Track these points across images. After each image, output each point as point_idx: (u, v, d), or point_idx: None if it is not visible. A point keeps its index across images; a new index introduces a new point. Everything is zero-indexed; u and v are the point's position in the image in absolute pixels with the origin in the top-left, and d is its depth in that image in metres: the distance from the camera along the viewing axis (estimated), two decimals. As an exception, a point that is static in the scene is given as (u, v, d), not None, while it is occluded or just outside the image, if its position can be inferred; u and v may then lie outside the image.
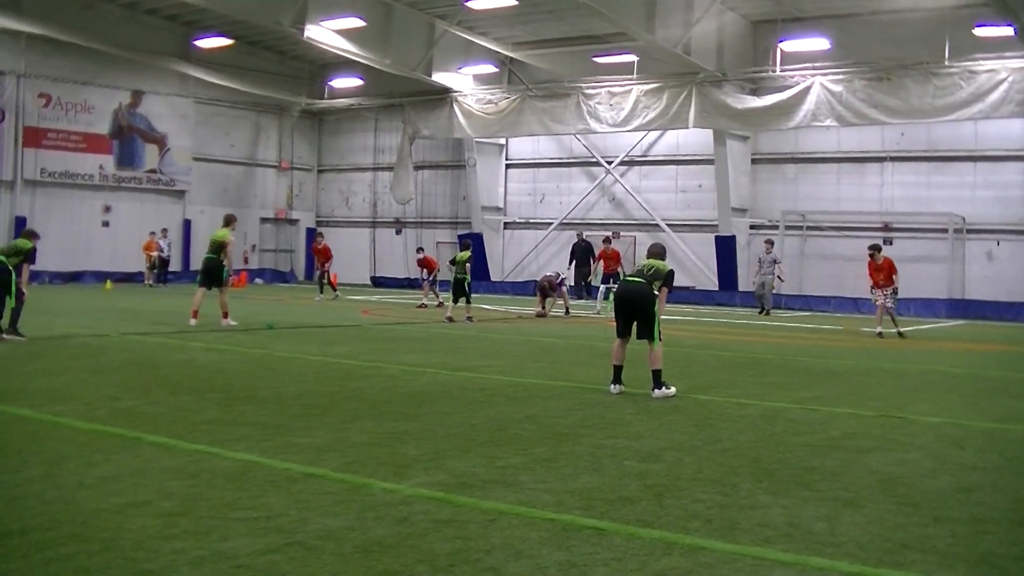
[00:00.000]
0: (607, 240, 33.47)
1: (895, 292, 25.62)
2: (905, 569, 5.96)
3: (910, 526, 6.92)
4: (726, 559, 6.04)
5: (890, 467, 8.88)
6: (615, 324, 13.54)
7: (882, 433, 10.64)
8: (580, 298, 39.30)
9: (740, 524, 6.86)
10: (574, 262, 41.61)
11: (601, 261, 32.54)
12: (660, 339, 13.15)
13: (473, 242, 45.42)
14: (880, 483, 8.21)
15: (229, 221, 23.71)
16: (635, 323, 13.31)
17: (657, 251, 14.12)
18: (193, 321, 21.88)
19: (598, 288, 32.46)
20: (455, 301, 26.39)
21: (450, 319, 26.02)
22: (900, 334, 24.94)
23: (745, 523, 6.89)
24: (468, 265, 26.65)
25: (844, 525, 6.90)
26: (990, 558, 6.23)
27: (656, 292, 13.31)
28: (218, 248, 22.74)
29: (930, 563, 6.09)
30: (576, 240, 42.04)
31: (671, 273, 13.66)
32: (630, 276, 13.88)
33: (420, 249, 37.98)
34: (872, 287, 25.63)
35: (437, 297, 33.86)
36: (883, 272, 25.24)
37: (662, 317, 13.39)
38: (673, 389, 13.05)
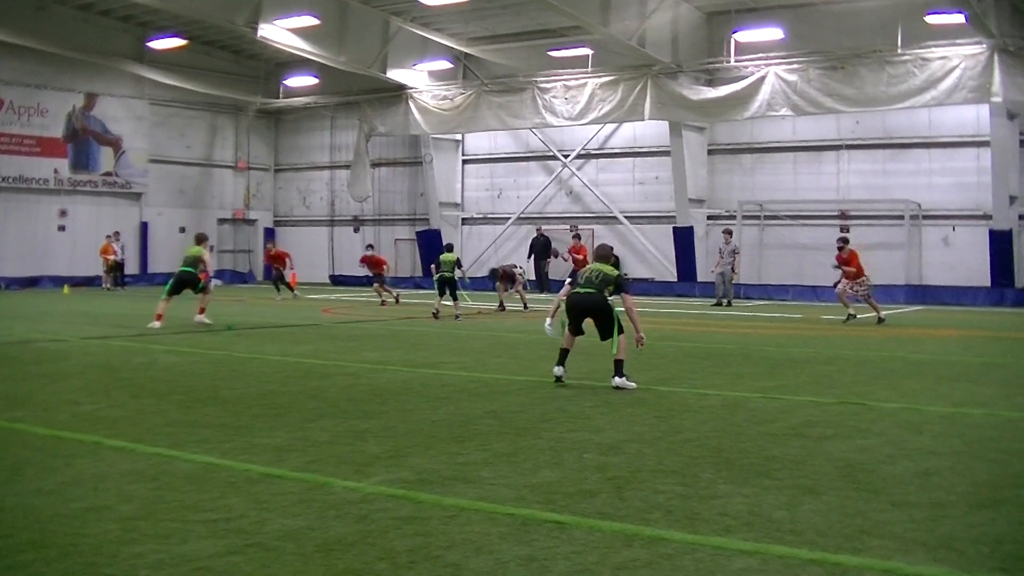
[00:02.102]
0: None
1: (862, 281, 25.83)
2: (864, 555, 6.00)
3: (869, 512, 6.97)
4: (686, 549, 6.07)
5: (850, 454, 8.93)
6: (569, 324, 13.67)
7: (842, 420, 10.70)
8: (541, 291, 39.39)
9: (701, 514, 6.89)
10: (533, 255, 41.75)
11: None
12: (622, 331, 13.14)
13: (432, 239, 45.68)
14: (840, 470, 8.26)
15: (201, 240, 23.80)
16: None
17: (603, 253, 14.13)
18: (157, 324, 21.73)
19: None
20: (440, 296, 26.30)
21: (435, 314, 25.99)
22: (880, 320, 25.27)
23: (706, 513, 6.92)
24: (456, 266, 26.65)
25: (804, 513, 6.94)
26: (948, 542, 6.27)
27: (608, 297, 13.34)
28: (194, 262, 22.73)
29: (889, 548, 6.13)
30: (535, 235, 42.14)
31: (620, 277, 13.62)
32: (582, 286, 13.55)
33: (369, 247, 37.32)
34: (842, 280, 25.82)
35: (391, 294, 33.53)
36: (852, 263, 25.53)
37: (640, 322, 13.51)
38: (634, 384, 12.97)
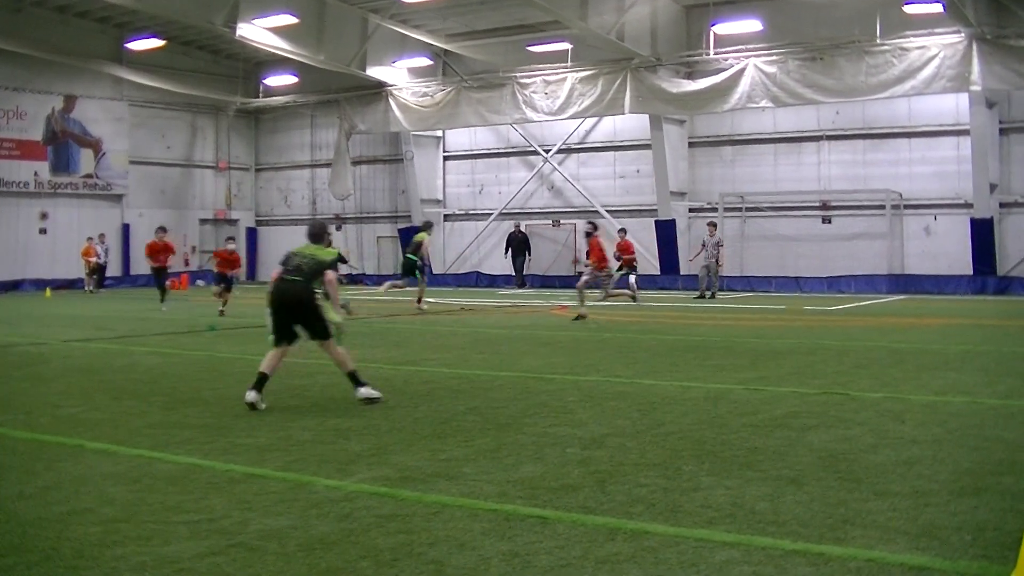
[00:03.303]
0: (622, 231, 32.90)
1: (609, 272, 25.39)
2: (847, 544, 6.01)
3: (852, 501, 6.98)
4: (669, 542, 6.07)
5: (832, 444, 8.94)
6: (274, 332, 11.58)
7: (825, 411, 10.71)
8: (521, 287, 39.43)
9: (683, 507, 6.89)
10: (510, 251, 41.83)
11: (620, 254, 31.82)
12: (330, 335, 11.47)
13: (413, 236, 45.56)
14: (822, 460, 8.27)
15: (427, 227, 27.50)
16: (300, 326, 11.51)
17: (316, 231, 12.22)
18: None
19: (627, 279, 31.42)
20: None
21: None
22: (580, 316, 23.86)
23: (688, 505, 6.92)
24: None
25: (787, 503, 6.95)
26: (930, 530, 6.28)
27: (318, 291, 11.54)
28: (417, 249, 26.07)
29: (871, 538, 6.14)
30: (512, 230, 42.20)
31: (334, 261, 12.23)
32: (286, 274, 11.49)
33: (230, 239, 31.96)
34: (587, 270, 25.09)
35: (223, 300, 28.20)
36: (594, 253, 24.55)
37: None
38: (378, 392, 11.49)
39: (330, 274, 11.73)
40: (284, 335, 11.47)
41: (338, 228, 50.76)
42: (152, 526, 6.49)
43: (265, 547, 6.02)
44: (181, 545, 6.09)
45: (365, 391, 11.40)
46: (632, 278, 30.81)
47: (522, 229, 42.39)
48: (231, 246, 29.36)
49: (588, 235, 24.92)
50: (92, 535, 6.30)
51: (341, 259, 25.12)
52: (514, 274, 42.89)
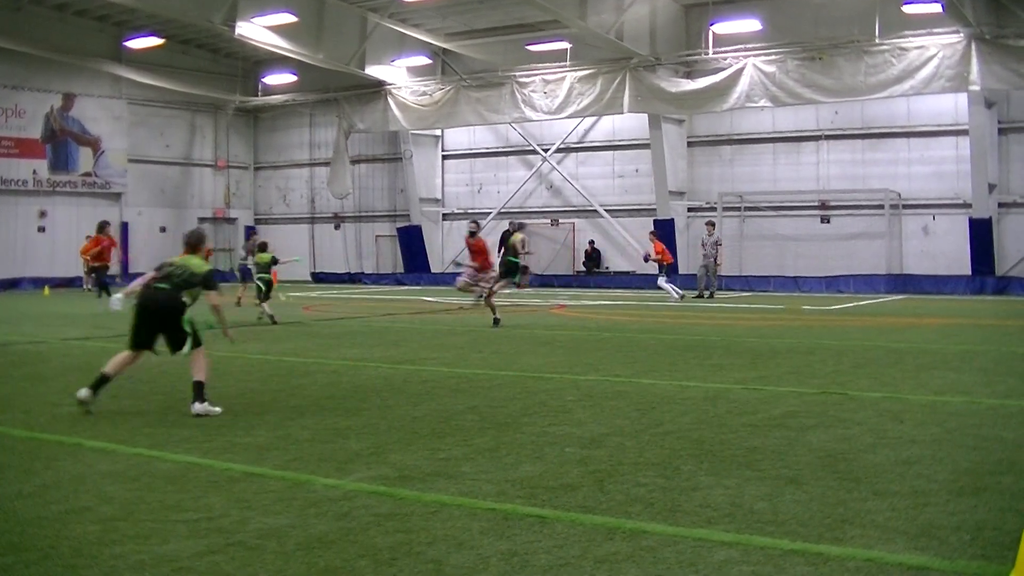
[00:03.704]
0: (653, 232, 32.92)
1: (492, 274, 23.96)
2: (845, 544, 6.00)
3: (851, 501, 6.97)
4: (668, 542, 6.06)
5: (831, 443, 8.93)
6: (132, 334, 11.27)
7: (824, 410, 10.70)
8: (518, 287, 39.41)
9: (682, 506, 6.88)
10: (503, 250, 41.82)
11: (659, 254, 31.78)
12: (199, 343, 11.20)
13: (412, 235, 45.67)
14: (821, 460, 8.26)
15: (520, 227, 26.70)
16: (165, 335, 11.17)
17: (194, 241, 11.74)
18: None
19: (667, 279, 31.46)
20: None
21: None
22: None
23: (687, 505, 6.91)
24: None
25: (786, 503, 6.94)
26: (929, 530, 6.28)
27: (187, 301, 11.11)
28: (514, 251, 24.55)
29: (870, 537, 6.13)
30: (507, 229, 42.21)
31: (210, 274, 11.56)
32: (158, 282, 11.13)
33: (203, 236, 31.06)
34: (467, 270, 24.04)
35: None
36: (479, 255, 23.61)
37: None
38: (218, 409, 10.83)
39: (214, 297, 11.46)
40: (142, 342, 11.17)
41: (336, 227, 50.82)
42: (151, 525, 6.48)
43: (264, 546, 6.01)
44: (180, 544, 6.07)
45: (201, 407, 10.72)
46: (661, 279, 31.01)
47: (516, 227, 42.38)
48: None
49: (472, 235, 23.91)
50: (91, 534, 6.28)
51: (274, 260, 24.90)
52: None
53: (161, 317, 11.02)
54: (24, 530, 6.38)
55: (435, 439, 9.25)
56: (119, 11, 41.21)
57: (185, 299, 11.06)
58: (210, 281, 11.37)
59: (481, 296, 24.49)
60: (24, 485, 7.58)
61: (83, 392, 10.74)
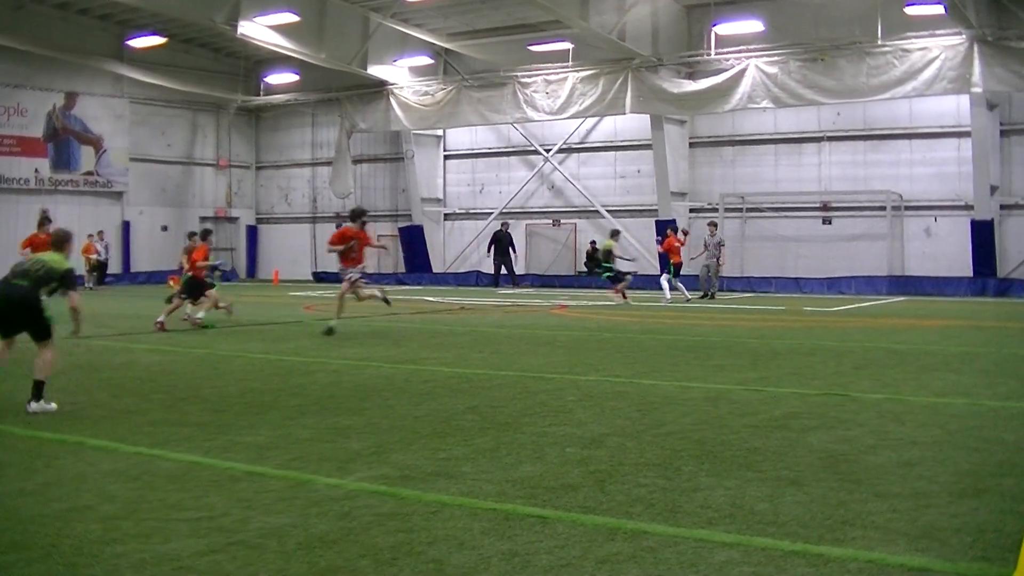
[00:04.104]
0: (672, 229, 32.88)
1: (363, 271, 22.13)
2: (846, 545, 6.00)
3: (852, 503, 6.97)
4: (668, 542, 6.06)
5: (832, 445, 8.93)
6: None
7: (825, 411, 10.69)
8: (516, 286, 39.46)
9: (683, 507, 6.88)
10: (493, 249, 41.88)
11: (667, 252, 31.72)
12: (51, 335, 11.18)
13: (414, 235, 45.68)
14: (822, 461, 8.26)
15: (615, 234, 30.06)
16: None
17: (56, 240, 11.81)
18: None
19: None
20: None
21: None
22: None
23: (688, 506, 6.91)
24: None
25: (787, 504, 6.94)
26: (931, 531, 6.27)
27: (43, 296, 11.06)
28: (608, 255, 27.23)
29: (871, 539, 6.13)
30: (499, 228, 42.26)
31: (70, 272, 11.43)
32: (14, 278, 11.10)
33: (46, 216, 29.80)
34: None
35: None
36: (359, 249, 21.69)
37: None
38: (54, 406, 10.85)
39: (74, 297, 11.39)
40: (6, 333, 11.34)
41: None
42: (152, 523, 6.48)
43: (265, 545, 6.01)
44: (181, 543, 6.08)
45: (36, 406, 10.74)
46: (664, 277, 31.03)
47: (508, 229, 42.40)
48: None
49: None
50: (92, 532, 6.29)
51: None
52: (492, 272, 42.77)
53: (17, 311, 11.05)
54: (26, 528, 6.39)
55: (436, 439, 9.25)
56: (121, 10, 41.17)
57: (43, 295, 11.05)
58: (68, 280, 11.33)
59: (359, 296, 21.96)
60: (25, 483, 7.59)
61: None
